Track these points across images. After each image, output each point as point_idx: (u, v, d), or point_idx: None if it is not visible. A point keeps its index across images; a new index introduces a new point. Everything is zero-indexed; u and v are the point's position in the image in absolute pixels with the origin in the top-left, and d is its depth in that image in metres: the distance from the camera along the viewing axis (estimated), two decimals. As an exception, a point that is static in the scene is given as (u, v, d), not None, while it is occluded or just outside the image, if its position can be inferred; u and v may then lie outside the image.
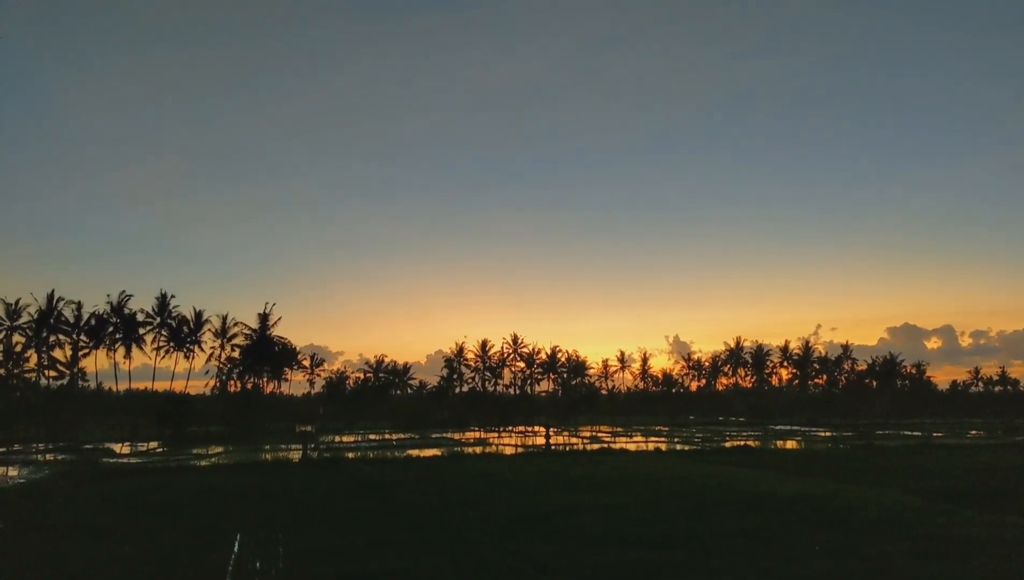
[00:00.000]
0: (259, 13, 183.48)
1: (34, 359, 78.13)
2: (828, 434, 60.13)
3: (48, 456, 41.98)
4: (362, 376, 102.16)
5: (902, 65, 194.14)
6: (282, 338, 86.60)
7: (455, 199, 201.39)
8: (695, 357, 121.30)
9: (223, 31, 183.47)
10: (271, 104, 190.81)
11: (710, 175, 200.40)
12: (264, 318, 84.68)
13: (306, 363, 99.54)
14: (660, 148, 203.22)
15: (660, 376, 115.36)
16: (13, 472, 31.14)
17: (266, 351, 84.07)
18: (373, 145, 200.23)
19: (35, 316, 78.11)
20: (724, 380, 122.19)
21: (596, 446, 42.90)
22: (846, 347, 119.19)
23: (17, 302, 78.10)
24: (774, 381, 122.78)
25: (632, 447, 42.25)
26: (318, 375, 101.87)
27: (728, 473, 25.49)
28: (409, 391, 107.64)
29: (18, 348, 76.95)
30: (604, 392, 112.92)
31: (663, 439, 53.45)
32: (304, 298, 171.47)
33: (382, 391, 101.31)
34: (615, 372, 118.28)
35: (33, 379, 77.60)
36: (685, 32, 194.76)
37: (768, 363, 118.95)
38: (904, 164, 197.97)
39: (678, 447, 42.82)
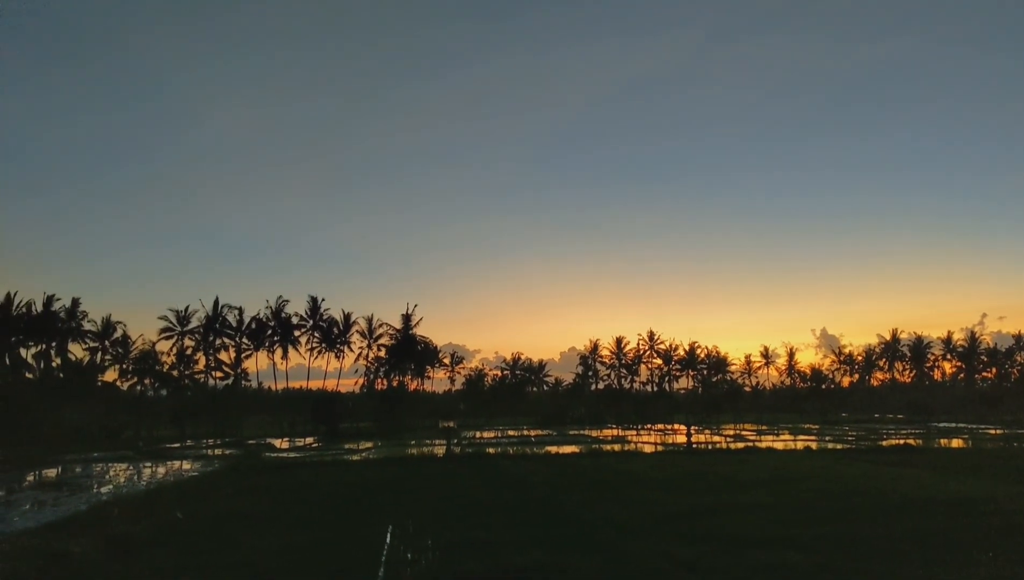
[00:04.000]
0: (388, 17, 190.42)
1: (202, 361, 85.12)
2: (999, 432, 55.15)
3: (216, 451, 45.42)
4: (499, 373, 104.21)
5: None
6: (424, 337, 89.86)
7: (586, 194, 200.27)
8: (846, 351, 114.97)
9: (355, 34, 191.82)
10: (406, 106, 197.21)
11: (855, 163, 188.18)
12: (407, 318, 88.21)
13: (446, 361, 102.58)
14: (798, 136, 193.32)
15: (808, 372, 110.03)
16: (187, 466, 33.87)
17: (410, 350, 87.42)
18: (503, 143, 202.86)
19: (203, 321, 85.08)
20: (879, 375, 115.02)
21: (740, 444, 41.48)
22: (1019, 337, 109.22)
23: (186, 309, 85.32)
24: (936, 375, 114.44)
25: (779, 446, 40.52)
26: (458, 373, 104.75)
27: (887, 473, 23.93)
28: (545, 388, 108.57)
29: (189, 351, 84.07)
30: (747, 389, 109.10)
31: (813, 437, 50.92)
32: (442, 298, 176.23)
33: (519, 388, 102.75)
34: (759, 368, 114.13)
35: (202, 380, 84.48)
36: (812, 17, 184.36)
37: (929, 356, 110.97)
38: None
39: (830, 446, 40.66)
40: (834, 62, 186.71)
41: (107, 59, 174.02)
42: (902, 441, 42.07)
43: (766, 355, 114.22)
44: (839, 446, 40.09)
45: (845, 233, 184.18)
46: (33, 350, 79.81)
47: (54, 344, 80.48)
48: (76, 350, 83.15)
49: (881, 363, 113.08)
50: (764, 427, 69.74)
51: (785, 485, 20.71)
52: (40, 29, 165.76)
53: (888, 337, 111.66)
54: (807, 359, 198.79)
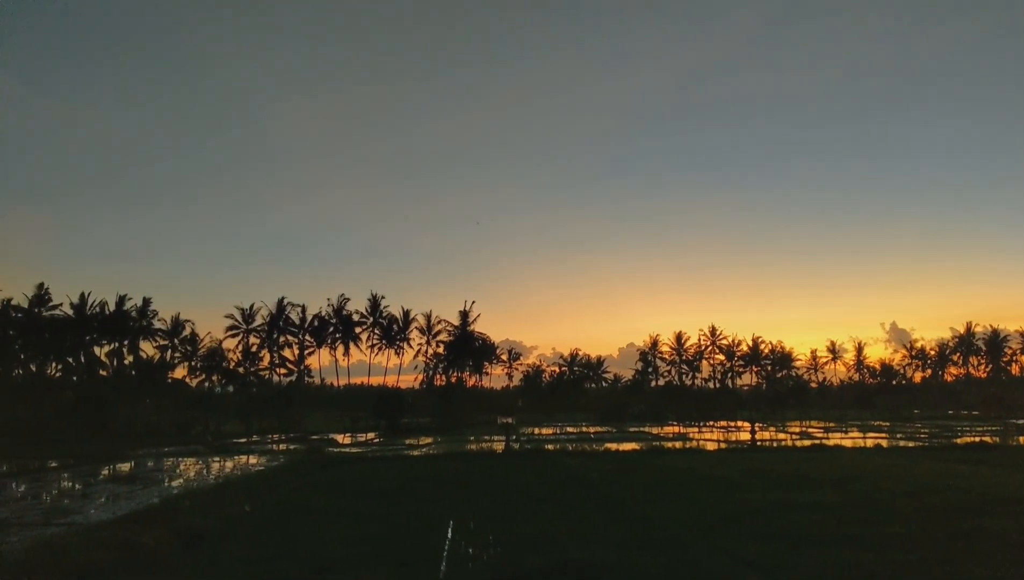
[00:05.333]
0: (443, 6, 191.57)
1: (267, 358, 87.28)
2: (1084, 430, 52.54)
3: (281, 446, 46.37)
4: (557, 370, 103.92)
5: None
6: (481, 334, 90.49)
7: (644, 185, 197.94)
8: (917, 345, 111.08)
9: (410, 25, 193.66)
10: (463, 98, 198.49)
11: (923, 148, 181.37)
12: (464, 315, 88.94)
13: (504, 357, 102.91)
14: (862, 119, 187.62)
15: (878, 367, 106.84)
16: (254, 460, 34.68)
17: (467, 346, 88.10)
18: (559, 136, 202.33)
19: (267, 319, 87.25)
20: (953, 370, 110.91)
21: (807, 442, 40.45)
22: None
23: (251, 307, 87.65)
24: (1014, 370, 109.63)
25: (848, 443, 39.40)
26: (515, 369, 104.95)
27: (962, 471, 23.00)
28: (604, 384, 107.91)
29: (254, 349, 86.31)
30: (814, 385, 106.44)
31: (883, 434, 49.35)
32: (499, 294, 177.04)
33: (577, 385, 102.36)
34: (825, 363, 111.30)
35: (267, 376, 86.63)
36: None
37: (1006, 350, 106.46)
38: None
39: (901, 443, 39.36)
40: (895, 44, 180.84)
41: (168, 57, 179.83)
42: (978, 438, 40.43)
43: (833, 350, 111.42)
44: (911, 443, 38.79)
45: (915, 222, 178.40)
46: (106, 348, 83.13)
47: (126, 342, 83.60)
48: (147, 348, 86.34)
49: (955, 358, 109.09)
50: (831, 424, 67.94)
51: (854, 483, 20.08)
52: (101, 24, 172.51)
53: (962, 330, 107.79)
54: (876, 354, 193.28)
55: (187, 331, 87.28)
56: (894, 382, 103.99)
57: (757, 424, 56.66)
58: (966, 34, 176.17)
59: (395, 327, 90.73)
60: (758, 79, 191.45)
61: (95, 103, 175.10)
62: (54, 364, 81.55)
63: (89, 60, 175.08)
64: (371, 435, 59.55)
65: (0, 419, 57.94)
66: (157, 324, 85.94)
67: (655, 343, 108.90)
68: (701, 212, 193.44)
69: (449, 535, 13.02)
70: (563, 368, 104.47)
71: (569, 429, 61.21)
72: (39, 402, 65.80)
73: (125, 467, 32.82)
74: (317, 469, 27.67)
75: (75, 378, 77.80)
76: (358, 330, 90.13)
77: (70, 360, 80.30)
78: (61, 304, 79.49)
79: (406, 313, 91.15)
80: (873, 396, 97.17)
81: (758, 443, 40.23)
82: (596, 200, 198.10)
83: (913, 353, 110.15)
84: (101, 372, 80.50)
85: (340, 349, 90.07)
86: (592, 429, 61.03)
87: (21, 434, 53.65)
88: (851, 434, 50.49)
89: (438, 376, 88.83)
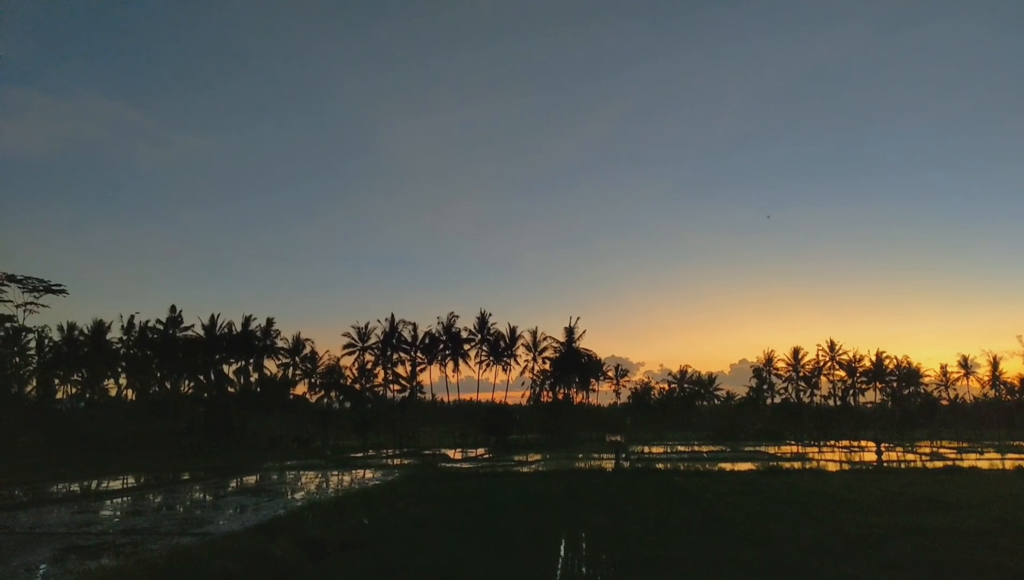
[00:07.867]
0: (557, 34, 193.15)
1: (381, 375, 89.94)
2: None
3: (395, 460, 47.62)
4: (666, 387, 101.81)
5: None
6: (587, 350, 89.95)
7: (755, 197, 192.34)
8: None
9: (511, 48, 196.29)
10: (570, 114, 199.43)
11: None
12: (570, 331, 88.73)
13: (610, 374, 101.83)
14: (979, 129, 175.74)
15: (1016, 383, 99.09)
16: (370, 474, 35.75)
17: (573, 363, 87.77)
18: (667, 148, 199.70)
19: (381, 338, 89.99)
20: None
21: (939, 463, 37.94)
22: None
23: (366, 326, 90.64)
24: None
25: (984, 465, 36.70)
26: (623, 386, 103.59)
27: (1122, 499, 20.98)
28: (716, 402, 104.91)
29: (369, 366, 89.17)
30: (944, 402, 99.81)
31: (1024, 456, 45.72)
32: (604, 310, 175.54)
33: (688, 402, 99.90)
34: (957, 379, 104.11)
35: (381, 392, 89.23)
36: (987, 7, 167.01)
37: None
38: None
39: (1046, 466, 36.30)
40: (1013, 50, 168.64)
41: (288, 83, 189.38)
42: None
43: (965, 365, 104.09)
44: (1058, 466, 35.70)
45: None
46: (234, 366, 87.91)
47: (252, 360, 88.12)
48: (271, 366, 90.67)
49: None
50: (966, 444, 63.52)
51: (993, 507, 18.69)
52: (222, 55, 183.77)
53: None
54: (1014, 369, 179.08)
55: (307, 350, 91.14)
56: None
57: (883, 444, 53.62)
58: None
59: (502, 344, 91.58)
60: (872, 85, 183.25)
61: (221, 132, 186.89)
62: (187, 381, 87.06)
63: (213, 92, 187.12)
64: (481, 451, 60.22)
65: (139, 433, 62.22)
66: (280, 343, 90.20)
67: (770, 359, 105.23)
68: (819, 222, 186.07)
69: (562, 552, 13.00)
70: (672, 385, 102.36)
71: (680, 448, 59.85)
72: (173, 417, 70.27)
73: (251, 479, 34.47)
74: (431, 484, 28.21)
75: (206, 394, 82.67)
76: (466, 347, 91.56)
77: (201, 378, 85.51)
78: (192, 325, 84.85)
79: (512, 330, 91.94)
80: (1012, 414, 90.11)
81: (884, 464, 38.07)
82: (704, 212, 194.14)
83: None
84: (229, 389, 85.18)
85: (450, 365, 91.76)
86: (705, 448, 59.43)
87: (157, 447, 57.42)
88: (988, 455, 47.03)
89: (545, 392, 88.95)
